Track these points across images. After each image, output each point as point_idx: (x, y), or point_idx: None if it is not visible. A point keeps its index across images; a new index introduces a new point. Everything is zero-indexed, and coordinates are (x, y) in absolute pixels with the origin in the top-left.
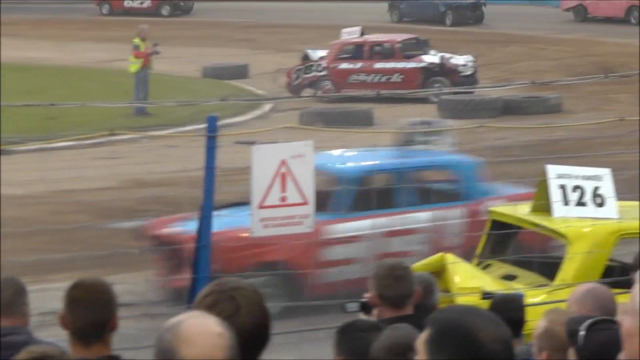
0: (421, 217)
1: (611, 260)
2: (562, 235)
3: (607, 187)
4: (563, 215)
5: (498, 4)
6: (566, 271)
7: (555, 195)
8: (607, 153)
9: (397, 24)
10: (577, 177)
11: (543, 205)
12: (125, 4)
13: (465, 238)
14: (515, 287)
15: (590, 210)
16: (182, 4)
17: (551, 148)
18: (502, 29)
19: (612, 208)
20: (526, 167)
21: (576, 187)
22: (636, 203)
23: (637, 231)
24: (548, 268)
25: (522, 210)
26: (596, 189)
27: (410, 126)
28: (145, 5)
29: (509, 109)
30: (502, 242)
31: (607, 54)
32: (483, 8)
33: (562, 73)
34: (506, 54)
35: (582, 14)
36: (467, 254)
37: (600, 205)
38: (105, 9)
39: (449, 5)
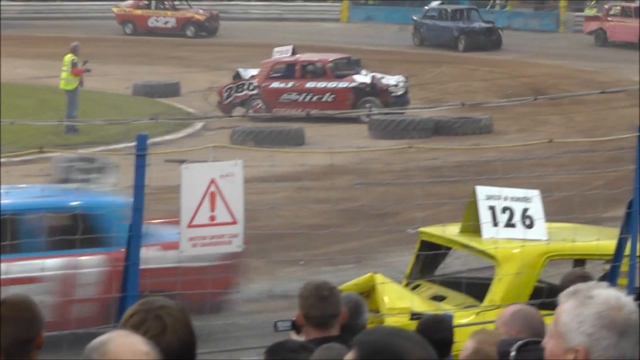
0: (49, 264)
1: (540, 281)
2: (491, 256)
3: (536, 209)
4: (492, 236)
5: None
6: (495, 292)
7: (484, 216)
8: (536, 174)
9: (342, 45)
10: (506, 198)
11: (472, 226)
12: (150, 23)
13: (103, 288)
14: (444, 307)
15: (519, 231)
16: (207, 24)
17: (481, 169)
18: (434, 49)
19: (541, 229)
20: (456, 188)
21: (505, 209)
22: (565, 225)
23: (566, 253)
24: (477, 289)
25: (451, 231)
26: (525, 210)
27: (67, 163)
28: (169, 25)
29: (440, 129)
30: (432, 262)
31: (538, 75)
32: (500, 32)
33: (493, 94)
34: (437, 74)
35: (602, 39)
36: (103, 305)
37: (529, 226)
38: (129, 28)
39: (462, 30)
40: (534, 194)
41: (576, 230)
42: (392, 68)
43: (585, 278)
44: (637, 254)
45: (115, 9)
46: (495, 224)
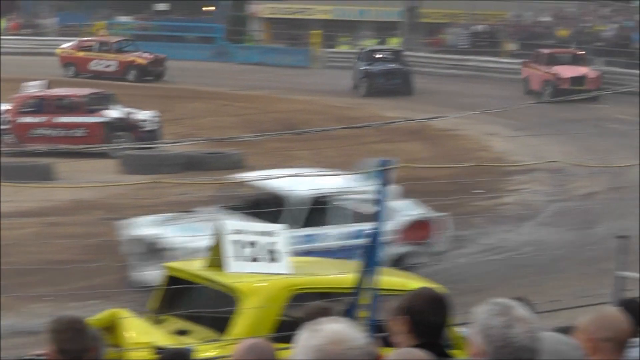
0: None
1: (285, 315)
2: (234, 290)
3: (282, 243)
4: (236, 270)
5: (183, 59)
6: (237, 326)
7: (229, 250)
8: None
9: (97, 80)
10: (252, 232)
11: (218, 261)
12: (90, 67)
13: None
14: (186, 342)
15: (263, 265)
16: (151, 69)
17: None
18: (188, 84)
19: (286, 263)
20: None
21: (250, 243)
22: (311, 259)
23: (311, 287)
24: (222, 323)
25: (196, 266)
26: (270, 244)
27: None
28: (111, 69)
29: (191, 164)
30: (177, 297)
31: (290, 111)
32: (408, 76)
33: (246, 129)
34: (191, 109)
35: (525, 87)
36: None
37: (274, 260)
38: (71, 71)
39: (365, 72)
40: (281, 228)
41: (322, 264)
42: (147, 103)
43: (325, 311)
44: (378, 287)
45: (58, 51)
46: (240, 258)
